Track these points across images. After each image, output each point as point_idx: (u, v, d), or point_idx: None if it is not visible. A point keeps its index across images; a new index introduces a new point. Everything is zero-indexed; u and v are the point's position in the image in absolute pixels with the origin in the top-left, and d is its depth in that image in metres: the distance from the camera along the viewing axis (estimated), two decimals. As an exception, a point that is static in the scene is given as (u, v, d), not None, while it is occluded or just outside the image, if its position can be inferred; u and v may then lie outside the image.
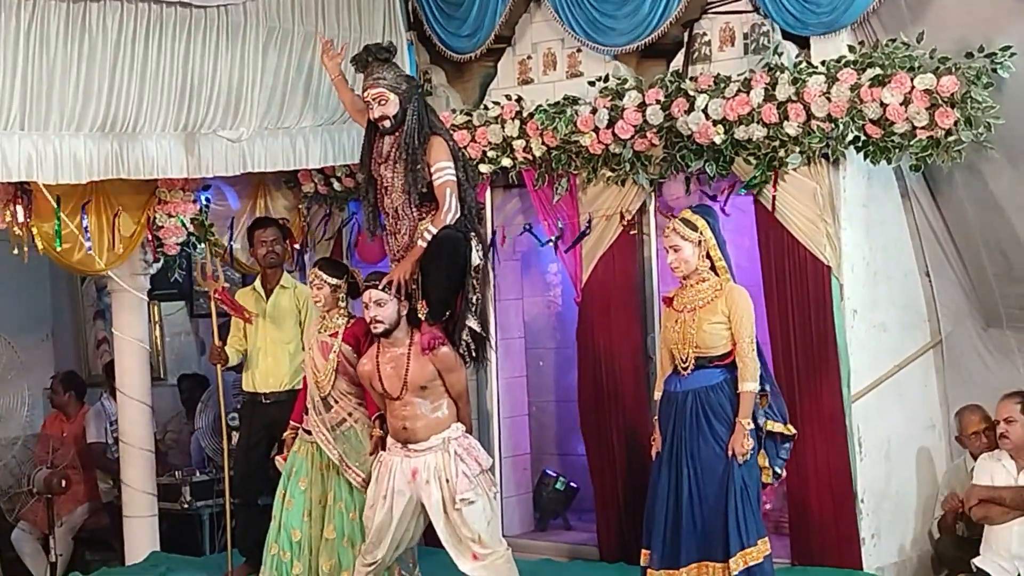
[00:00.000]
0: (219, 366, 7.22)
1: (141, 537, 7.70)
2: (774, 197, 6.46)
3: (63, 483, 8.29)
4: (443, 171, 5.90)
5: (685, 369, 5.63)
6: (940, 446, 6.95)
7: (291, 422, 6.54)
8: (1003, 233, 6.50)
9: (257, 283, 7.24)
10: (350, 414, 6.26)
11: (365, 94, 6.05)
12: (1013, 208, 6.38)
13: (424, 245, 5.86)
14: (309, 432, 6.36)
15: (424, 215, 5.96)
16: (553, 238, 7.24)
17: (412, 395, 5.77)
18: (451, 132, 6.47)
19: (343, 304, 6.38)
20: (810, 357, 6.51)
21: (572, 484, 7.87)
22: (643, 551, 5.73)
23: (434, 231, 5.85)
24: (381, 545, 5.84)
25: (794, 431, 5.74)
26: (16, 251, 7.16)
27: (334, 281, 6.30)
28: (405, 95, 6.00)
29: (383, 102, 5.97)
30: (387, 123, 6.00)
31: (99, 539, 8.77)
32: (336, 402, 6.25)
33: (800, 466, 6.48)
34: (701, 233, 5.64)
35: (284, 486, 6.38)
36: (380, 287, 5.79)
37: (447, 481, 5.72)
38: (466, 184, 6.04)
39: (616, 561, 7.01)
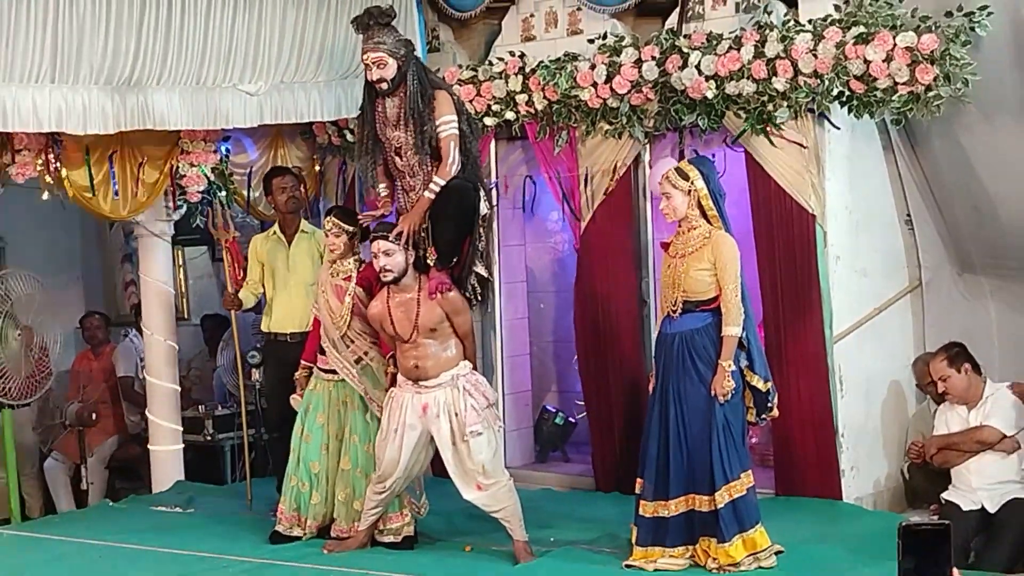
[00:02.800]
0: (233, 311, 7.42)
1: (167, 467, 7.93)
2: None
3: (93, 416, 8.51)
4: (447, 124, 6.03)
5: (674, 313, 5.71)
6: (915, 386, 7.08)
7: (303, 361, 6.72)
8: (974, 188, 6.61)
9: (276, 229, 7.33)
10: (366, 352, 6.43)
11: (364, 57, 6.13)
12: (983, 165, 6.49)
13: (431, 196, 6.02)
14: (324, 371, 6.56)
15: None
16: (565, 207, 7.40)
17: (422, 337, 5.98)
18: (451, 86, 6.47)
19: (357, 250, 6.55)
20: (795, 300, 6.62)
21: (570, 419, 8.02)
22: (637, 479, 5.85)
23: (442, 182, 5.99)
24: (392, 475, 6.05)
25: (767, 388, 5.75)
26: (46, 196, 7.26)
27: (351, 229, 6.47)
28: (403, 59, 6.10)
29: (382, 66, 6.07)
30: (384, 85, 6.10)
31: (129, 468, 8.95)
32: (352, 342, 6.40)
33: (785, 403, 6.42)
34: (692, 183, 5.69)
35: (302, 422, 6.53)
36: (390, 238, 5.98)
37: (456, 415, 5.92)
38: (469, 136, 6.16)
39: (611, 491, 7.17)
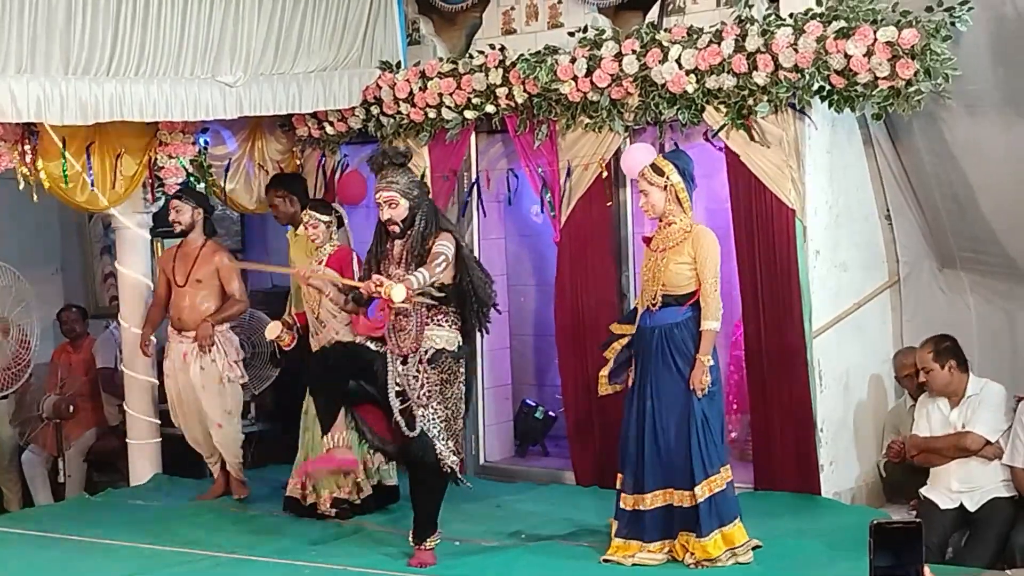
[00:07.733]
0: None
1: (144, 460, 7.97)
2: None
3: (71, 408, 8.54)
4: (443, 245, 5.74)
5: (654, 306, 5.71)
6: (895, 380, 7.09)
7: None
8: (956, 180, 6.63)
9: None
10: (337, 332, 6.74)
11: (377, 195, 5.87)
12: (965, 157, 6.51)
13: (413, 285, 5.60)
14: None
15: (430, 318, 5.82)
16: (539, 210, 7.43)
17: None
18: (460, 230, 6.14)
19: (334, 236, 6.94)
20: (775, 295, 6.63)
21: (550, 413, 8.04)
22: (618, 474, 5.88)
23: (427, 276, 5.61)
24: None
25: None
26: (23, 186, 7.23)
27: (326, 219, 6.90)
28: (416, 200, 5.84)
29: (393, 205, 5.82)
30: (395, 228, 5.84)
31: (107, 462, 8.96)
32: (325, 324, 6.80)
33: (764, 397, 6.67)
34: (668, 178, 5.68)
35: None
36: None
37: None
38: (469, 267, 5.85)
39: (590, 485, 7.19)
